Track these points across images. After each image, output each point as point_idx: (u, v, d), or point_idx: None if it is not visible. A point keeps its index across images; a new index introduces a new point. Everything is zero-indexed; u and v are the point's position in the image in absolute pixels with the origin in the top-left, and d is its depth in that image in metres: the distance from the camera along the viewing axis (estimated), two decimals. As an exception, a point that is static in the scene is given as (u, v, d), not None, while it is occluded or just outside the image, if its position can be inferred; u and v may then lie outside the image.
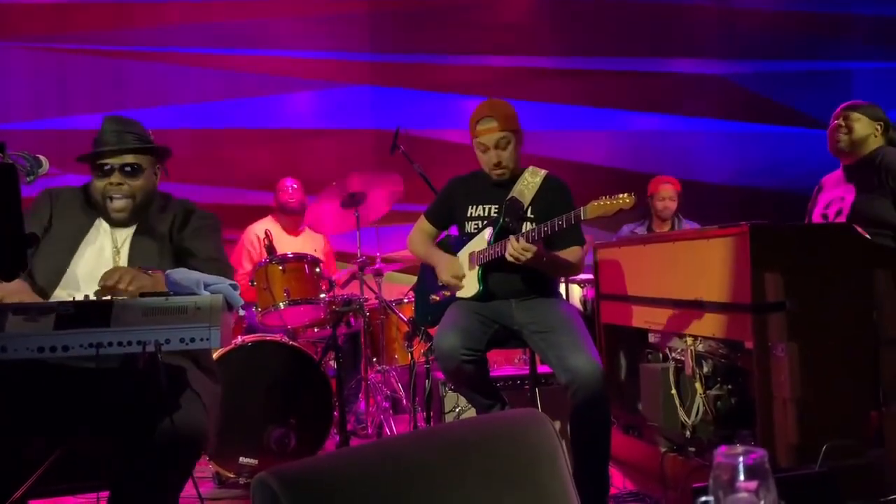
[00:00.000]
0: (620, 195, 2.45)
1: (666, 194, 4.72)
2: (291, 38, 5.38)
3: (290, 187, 4.50)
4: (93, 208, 2.28)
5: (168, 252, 2.26)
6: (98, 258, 2.22)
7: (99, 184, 2.25)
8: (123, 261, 2.22)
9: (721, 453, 0.70)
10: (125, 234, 2.27)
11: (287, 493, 1.00)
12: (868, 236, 2.72)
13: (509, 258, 2.63)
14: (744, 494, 0.67)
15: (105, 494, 1.96)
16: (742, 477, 0.68)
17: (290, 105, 5.40)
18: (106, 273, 1.96)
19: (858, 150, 3.09)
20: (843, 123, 3.12)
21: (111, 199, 2.24)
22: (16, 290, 2.01)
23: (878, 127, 3.09)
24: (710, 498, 0.69)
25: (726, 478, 0.69)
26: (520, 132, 2.87)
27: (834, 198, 3.12)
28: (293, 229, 4.54)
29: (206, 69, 5.25)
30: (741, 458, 0.68)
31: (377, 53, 5.53)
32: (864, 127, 3.08)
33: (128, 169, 2.24)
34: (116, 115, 2.34)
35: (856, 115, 3.10)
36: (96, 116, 5.34)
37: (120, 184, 2.23)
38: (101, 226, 2.28)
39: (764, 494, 0.67)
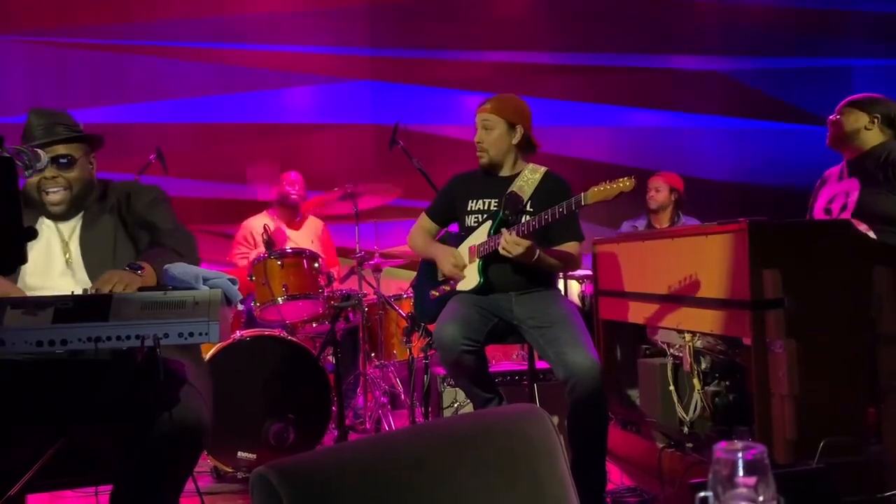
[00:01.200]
0: (620, 179, 2.45)
1: (653, 185, 4.74)
2: (291, 33, 5.37)
3: (293, 180, 4.49)
4: (31, 207, 2.22)
5: (123, 235, 2.23)
6: (47, 255, 2.18)
7: (33, 179, 2.19)
8: (75, 254, 2.18)
9: (720, 448, 0.70)
10: (71, 227, 2.23)
11: (285, 487, 1.00)
12: (872, 233, 2.72)
13: (502, 251, 2.64)
14: (743, 490, 0.67)
15: (104, 488, 1.96)
16: (741, 472, 0.68)
17: (289, 100, 5.39)
18: (100, 281, 1.93)
19: (850, 143, 3.02)
20: (833, 119, 3.08)
21: (47, 192, 2.18)
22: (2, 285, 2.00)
23: (875, 119, 2.98)
24: (710, 493, 0.69)
25: (725, 473, 0.68)
26: (516, 126, 2.87)
27: (838, 192, 3.08)
28: (293, 222, 4.53)
29: (206, 64, 5.24)
30: (740, 454, 0.68)
31: (377, 48, 5.52)
32: (852, 121, 3.00)
33: (62, 161, 2.18)
34: (42, 108, 2.28)
35: (847, 108, 3.03)
36: (96, 111, 5.34)
37: (55, 177, 2.17)
38: (44, 223, 2.22)
39: (763, 490, 0.67)
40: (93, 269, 2.13)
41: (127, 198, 2.28)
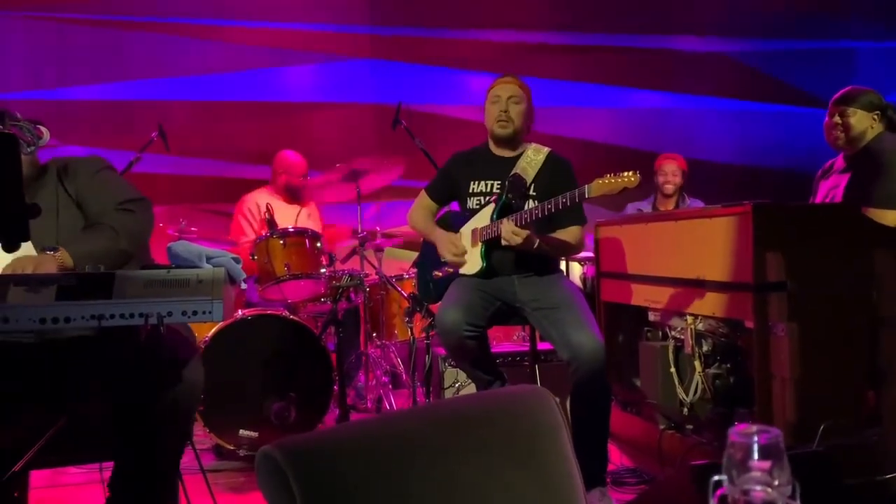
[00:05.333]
0: (625, 173, 2.43)
1: (669, 169, 4.67)
2: (292, 10, 5.32)
3: (295, 164, 4.44)
4: None
5: (67, 201, 2.18)
6: None
7: None
8: None
9: (735, 432, 0.70)
10: None
11: (291, 465, 1.00)
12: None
13: (503, 242, 2.65)
14: (757, 473, 0.67)
15: (108, 464, 1.97)
16: (756, 456, 0.68)
17: (290, 78, 5.35)
18: (8, 267, 1.89)
19: (858, 143, 3.02)
20: (839, 121, 3.04)
21: None
22: None
23: (876, 116, 3.00)
24: (724, 476, 0.69)
25: (740, 457, 0.69)
26: (532, 109, 2.93)
27: (833, 185, 3.09)
28: (293, 200, 4.50)
29: (206, 41, 5.20)
30: (755, 438, 0.68)
31: (378, 26, 5.48)
32: (860, 121, 3.00)
33: None
34: None
35: (851, 109, 3.01)
36: (96, 87, 5.29)
37: None
38: None
39: (778, 474, 0.67)
40: (38, 237, 2.06)
41: (65, 168, 2.23)
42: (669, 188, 4.65)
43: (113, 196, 2.18)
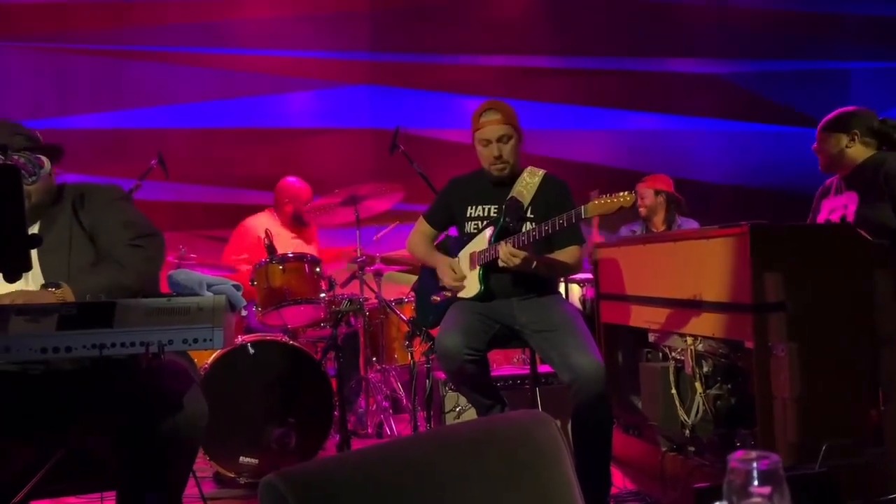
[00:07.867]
0: (621, 193, 2.45)
1: (638, 194, 4.68)
2: (291, 38, 5.38)
3: (299, 190, 4.44)
4: None
5: (79, 233, 2.18)
6: None
7: None
8: (35, 263, 2.12)
9: (735, 459, 0.71)
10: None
11: (295, 495, 1.00)
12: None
13: (501, 264, 2.65)
14: (757, 499, 0.68)
15: (108, 494, 1.96)
16: (756, 482, 0.69)
17: (288, 105, 5.40)
18: (5, 297, 1.89)
19: (842, 163, 3.02)
20: (815, 148, 3.10)
21: None
22: None
23: (855, 135, 2.97)
24: (724, 502, 0.69)
25: (740, 483, 0.69)
26: (520, 132, 2.90)
27: (837, 205, 3.09)
28: (297, 227, 4.51)
29: (206, 69, 5.25)
30: (755, 464, 0.69)
31: (376, 53, 5.53)
32: (833, 144, 3.01)
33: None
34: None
35: (823, 134, 3.05)
36: (96, 116, 5.33)
37: None
38: None
39: (778, 500, 0.68)
40: (49, 271, 2.10)
41: (81, 197, 2.24)
42: (642, 212, 4.67)
43: (125, 230, 2.17)
